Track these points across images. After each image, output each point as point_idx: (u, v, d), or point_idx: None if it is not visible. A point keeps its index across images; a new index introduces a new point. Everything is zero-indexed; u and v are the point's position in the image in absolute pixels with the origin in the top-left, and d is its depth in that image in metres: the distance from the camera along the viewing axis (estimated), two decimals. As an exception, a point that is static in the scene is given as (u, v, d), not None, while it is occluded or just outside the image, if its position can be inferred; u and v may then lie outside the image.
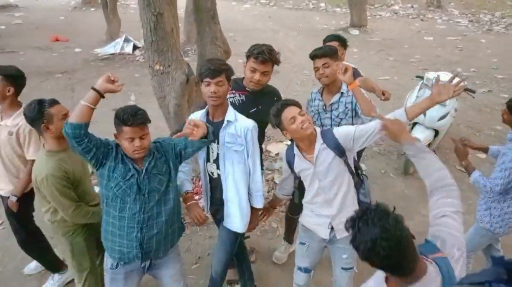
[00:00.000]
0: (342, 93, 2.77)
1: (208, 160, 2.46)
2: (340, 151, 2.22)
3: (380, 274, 1.48)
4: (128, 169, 2.11)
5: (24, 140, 2.71)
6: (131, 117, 2.00)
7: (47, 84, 8.04)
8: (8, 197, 2.80)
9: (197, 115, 2.42)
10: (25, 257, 3.23)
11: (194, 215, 2.44)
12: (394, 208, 1.39)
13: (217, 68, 2.23)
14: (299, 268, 2.60)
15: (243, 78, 2.66)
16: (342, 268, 2.45)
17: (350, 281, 2.50)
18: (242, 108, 2.50)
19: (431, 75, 4.62)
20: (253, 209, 2.53)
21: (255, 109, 2.60)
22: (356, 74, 3.36)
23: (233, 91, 2.58)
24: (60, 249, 2.75)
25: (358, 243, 1.32)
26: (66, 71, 8.96)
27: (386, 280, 1.44)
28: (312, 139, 2.23)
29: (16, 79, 2.75)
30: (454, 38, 11.50)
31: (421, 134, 4.46)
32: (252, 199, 2.50)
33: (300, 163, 2.32)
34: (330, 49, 2.74)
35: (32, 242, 3.05)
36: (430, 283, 1.35)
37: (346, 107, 2.77)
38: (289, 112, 2.18)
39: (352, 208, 2.35)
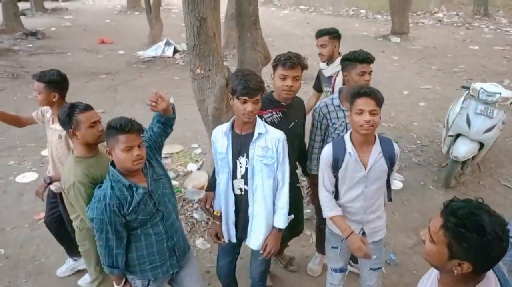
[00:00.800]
0: None
1: (235, 177, 2.33)
2: (391, 163, 2.22)
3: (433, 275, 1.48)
4: (137, 203, 1.99)
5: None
6: (129, 123, 1.92)
7: (91, 85, 8.39)
8: (60, 193, 2.87)
9: (222, 129, 2.32)
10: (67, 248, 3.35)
11: (210, 232, 2.56)
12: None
13: (257, 87, 2.14)
14: (334, 270, 2.56)
15: (272, 92, 2.56)
16: (371, 269, 2.45)
17: (379, 280, 2.52)
18: (281, 125, 2.42)
19: (477, 85, 4.44)
20: (273, 229, 2.36)
21: (293, 123, 2.54)
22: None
23: (270, 110, 2.48)
24: (85, 256, 2.60)
25: None
26: (110, 72, 9.33)
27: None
28: (367, 139, 2.19)
29: (59, 84, 2.72)
30: (501, 48, 10.99)
31: (465, 147, 4.28)
32: (275, 216, 2.34)
33: (352, 164, 2.21)
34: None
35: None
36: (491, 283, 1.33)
37: None
38: (362, 103, 2.08)
39: (382, 217, 2.40)
